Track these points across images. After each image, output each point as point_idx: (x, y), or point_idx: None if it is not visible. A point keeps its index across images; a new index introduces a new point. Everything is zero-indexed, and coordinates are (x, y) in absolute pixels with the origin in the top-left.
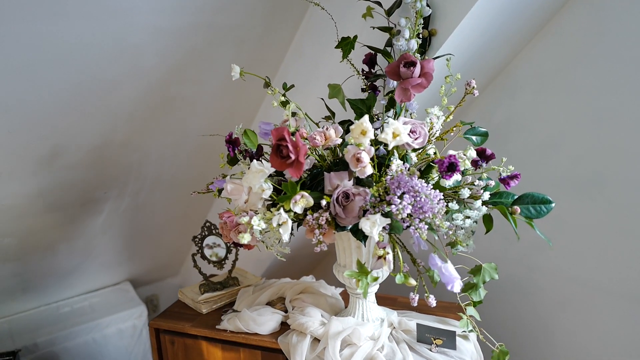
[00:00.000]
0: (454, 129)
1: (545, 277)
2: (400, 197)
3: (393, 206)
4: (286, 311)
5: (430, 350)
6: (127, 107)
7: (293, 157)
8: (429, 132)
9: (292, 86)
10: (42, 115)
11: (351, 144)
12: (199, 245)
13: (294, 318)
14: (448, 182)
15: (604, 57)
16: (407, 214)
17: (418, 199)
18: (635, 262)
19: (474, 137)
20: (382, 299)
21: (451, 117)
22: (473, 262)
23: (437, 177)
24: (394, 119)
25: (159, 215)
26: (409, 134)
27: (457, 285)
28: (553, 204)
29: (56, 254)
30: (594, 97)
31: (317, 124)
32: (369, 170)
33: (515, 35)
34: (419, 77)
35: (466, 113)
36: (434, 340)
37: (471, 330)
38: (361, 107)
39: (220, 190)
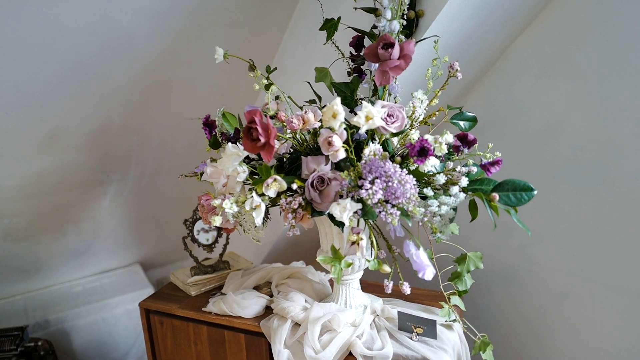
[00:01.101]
0: (437, 113)
1: (543, 269)
2: (372, 182)
3: (363, 191)
4: (272, 295)
5: (411, 339)
6: (123, 90)
7: (263, 139)
8: (410, 116)
9: (275, 69)
10: (37, 97)
11: (325, 128)
12: (190, 228)
13: (277, 302)
14: (426, 168)
15: (607, 40)
16: (379, 199)
17: (390, 184)
18: (633, 256)
19: (461, 123)
20: (371, 286)
21: (437, 100)
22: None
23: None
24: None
25: (164, 198)
26: (385, 118)
27: (428, 273)
28: (535, 192)
29: (65, 234)
30: (596, 83)
31: (300, 108)
32: (342, 154)
33: (513, 17)
34: (398, 59)
35: (466, 98)
36: (415, 328)
37: (454, 320)
38: (345, 91)
39: (202, 174)
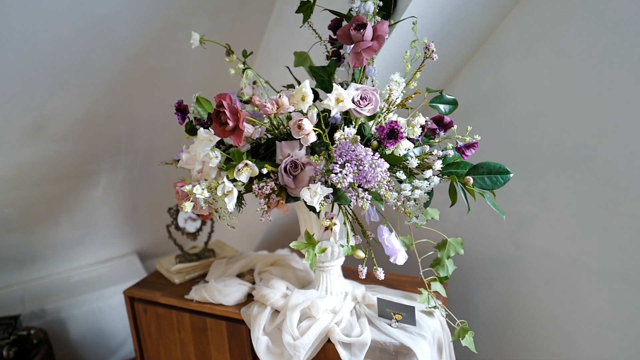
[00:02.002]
0: (413, 96)
1: (532, 254)
2: (343, 166)
3: (333, 175)
4: (254, 283)
5: (390, 326)
6: (107, 78)
7: (231, 123)
8: (387, 99)
9: (251, 53)
10: (19, 86)
11: (296, 112)
12: (174, 216)
13: (258, 290)
14: (401, 151)
15: (592, 21)
16: (351, 183)
17: (362, 167)
18: (622, 241)
19: (441, 106)
20: (354, 273)
21: (415, 83)
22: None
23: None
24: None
25: (158, 188)
26: (358, 101)
27: (400, 258)
28: (511, 175)
29: (59, 225)
30: (582, 64)
31: (278, 92)
32: (312, 138)
33: None
34: (371, 40)
35: (455, 82)
36: (394, 315)
37: (434, 307)
38: (322, 75)
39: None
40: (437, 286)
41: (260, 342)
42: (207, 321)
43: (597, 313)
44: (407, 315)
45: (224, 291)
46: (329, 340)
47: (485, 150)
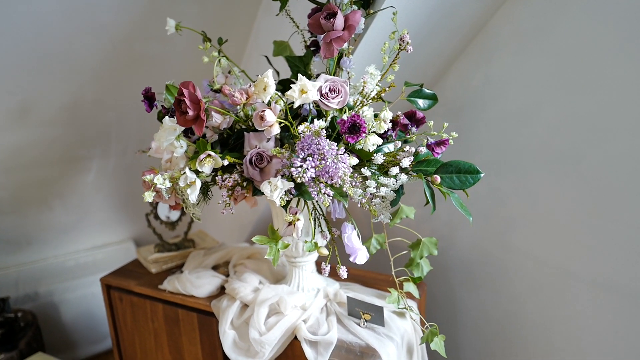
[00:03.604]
0: (387, 89)
1: (518, 257)
2: (305, 160)
3: (294, 169)
4: (228, 275)
5: (359, 325)
6: (91, 64)
7: (191, 112)
8: (361, 92)
9: (227, 40)
10: (2, 70)
11: (260, 102)
12: (154, 205)
13: (230, 282)
14: (369, 147)
15: (585, 16)
16: (314, 178)
17: (324, 162)
18: (608, 247)
19: (420, 101)
20: (333, 269)
21: (392, 76)
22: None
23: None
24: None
25: None
26: (327, 93)
27: (360, 257)
28: (481, 175)
29: (52, 209)
30: (573, 63)
31: (254, 82)
32: (276, 129)
33: None
34: (343, 29)
35: (446, 77)
36: (363, 315)
37: (403, 308)
38: (298, 65)
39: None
40: (410, 287)
41: (227, 336)
42: (179, 312)
43: (580, 319)
44: (376, 316)
45: (197, 283)
46: (295, 337)
47: (473, 148)
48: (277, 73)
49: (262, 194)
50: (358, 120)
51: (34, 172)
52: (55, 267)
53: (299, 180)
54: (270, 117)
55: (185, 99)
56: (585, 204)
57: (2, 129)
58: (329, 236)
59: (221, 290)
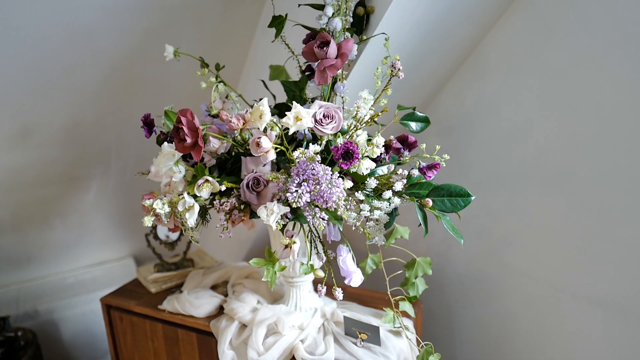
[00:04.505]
0: (380, 114)
1: (513, 275)
2: (300, 185)
3: (289, 194)
4: (227, 295)
5: (356, 345)
6: (92, 87)
7: (189, 140)
8: (355, 116)
9: (224, 66)
10: (4, 94)
11: (256, 129)
12: (153, 226)
13: (228, 303)
14: (363, 170)
15: (573, 37)
16: (309, 202)
17: (319, 187)
18: (600, 264)
19: (412, 124)
20: (329, 289)
21: (385, 100)
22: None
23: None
24: (327, 101)
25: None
26: (321, 119)
27: (355, 279)
28: (472, 197)
29: (52, 227)
30: (562, 82)
31: (251, 106)
32: (272, 155)
33: (478, 12)
34: (336, 57)
35: (439, 96)
36: (360, 334)
37: (399, 327)
38: (294, 90)
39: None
40: (405, 306)
41: (226, 356)
42: (179, 332)
43: (574, 334)
44: (372, 335)
45: (196, 303)
46: (293, 357)
47: (466, 165)
48: (274, 97)
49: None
50: (351, 147)
51: (35, 191)
52: (55, 285)
53: (294, 205)
54: (266, 143)
55: (184, 127)
56: (577, 221)
57: (3, 150)
58: (324, 258)
59: (220, 310)
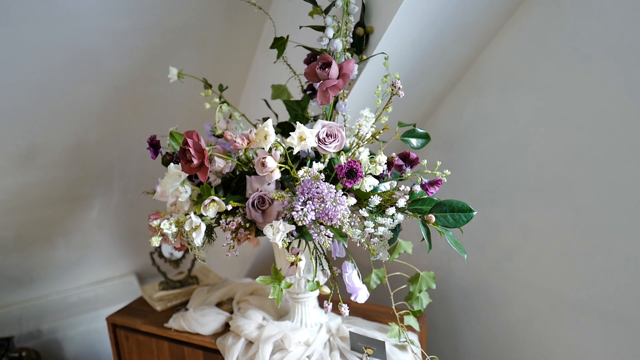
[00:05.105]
0: (382, 131)
1: (515, 287)
2: (305, 203)
3: (294, 213)
4: (232, 312)
5: None
6: (95, 107)
7: (195, 161)
8: (357, 134)
9: (227, 87)
10: (9, 116)
11: (260, 149)
12: None
13: (234, 320)
14: (366, 187)
15: (568, 52)
16: (314, 220)
17: (324, 205)
18: (600, 276)
19: (413, 140)
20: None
21: (386, 118)
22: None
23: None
24: (327, 120)
25: (154, 210)
26: (324, 138)
27: (361, 296)
28: (474, 213)
29: (55, 247)
30: (559, 97)
31: (254, 126)
32: (277, 175)
33: (476, 29)
34: (337, 78)
35: (438, 111)
36: (365, 349)
37: (404, 341)
38: (296, 109)
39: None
40: (410, 320)
41: None
42: (185, 350)
43: (576, 345)
44: (378, 350)
45: (201, 320)
46: None
47: (466, 179)
48: (276, 115)
49: (264, 234)
50: (354, 166)
51: (38, 211)
52: (57, 303)
53: (300, 224)
54: (271, 163)
55: (190, 149)
56: (577, 232)
57: (7, 171)
58: (329, 274)
59: (226, 327)
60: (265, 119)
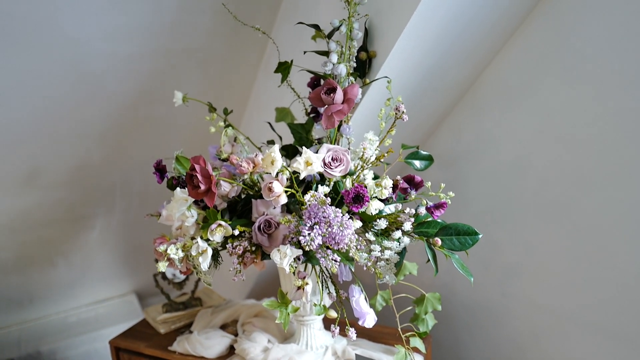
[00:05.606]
0: (386, 154)
1: (519, 304)
2: (312, 228)
3: (302, 237)
4: (237, 334)
5: None
6: (98, 129)
7: (203, 186)
8: (362, 157)
9: (232, 111)
10: (12, 139)
11: (267, 174)
12: None
13: (239, 343)
14: (372, 211)
15: (568, 72)
16: (320, 245)
17: (330, 229)
18: (602, 294)
19: (416, 162)
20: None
21: (390, 140)
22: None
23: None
24: (332, 143)
25: (154, 229)
26: (330, 162)
27: (369, 320)
28: (479, 236)
29: (56, 267)
30: (558, 115)
31: (259, 149)
32: (283, 199)
33: (477, 51)
34: (342, 103)
35: (438, 132)
36: None
37: None
38: (300, 132)
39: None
40: (416, 342)
41: None
42: None
43: None
44: None
45: (206, 344)
46: None
47: (467, 198)
48: (280, 138)
49: (270, 258)
50: (361, 191)
51: (39, 231)
52: (57, 324)
53: (307, 249)
54: (278, 188)
55: (197, 174)
56: (579, 252)
57: (9, 192)
58: (335, 297)
59: (231, 350)
60: (269, 142)
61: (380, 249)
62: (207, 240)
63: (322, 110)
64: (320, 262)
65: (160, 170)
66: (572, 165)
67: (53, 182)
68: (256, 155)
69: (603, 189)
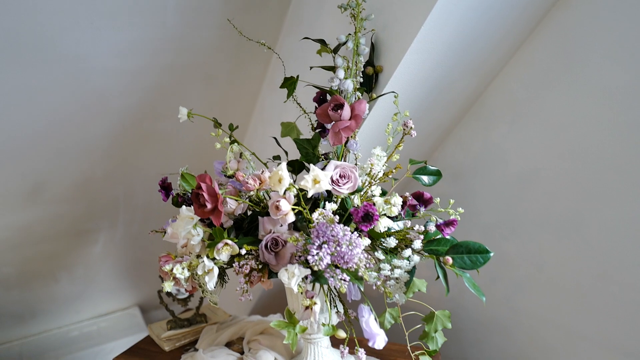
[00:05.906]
0: (394, 171)
1: (529, 320)
2: (320, 247)
3: (310, 257)
4: (243, 352)
5: None
6: (102, 144)
7: (209, 205)
8: (369, 173)
9: (237, 127)
10: (16, 155)
11: (274, 192)
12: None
13: None
14: (381, 228)
15: (575, 85)
16: (328, 264)
17: (339, 248)
18: (612, 309)
19: (425, 177)
20: (351, 342)
21: (397, 156)
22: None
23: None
24: (339, 159)
25: (157, 243)
26: (337, 179)
27: (379, 341)
28: (491, 254)
29: (58, 281)
30: (566, 128)
31: (265, 164)
32: (291, 218)
33: (481, 66)
34: (349, 119)
35: (445, 144)
36: None
37: None
38: (307, 147)
39: None
40: None
41: None
42: None
43: None
44: None
45: None
46: None
47: (474, 211)
48: (286, 153)
49: (277, 276)
50: (370, 210)
51: (42, 246)
52: (59, 338)
53: (315, 268)
54: (286, 206)
55: (204, 193)
56: (589, 266)
57: (12, 208)
58: (344, 317)
59: None
60: (275, 158)
61: (389, 267)
62: (214, 259)
63: (329, 126)
64: (329, 281)
65: (165, 188)
66: (581, 179)
67: (56, 197)
68: (262, 172)
69: (613, 203)
